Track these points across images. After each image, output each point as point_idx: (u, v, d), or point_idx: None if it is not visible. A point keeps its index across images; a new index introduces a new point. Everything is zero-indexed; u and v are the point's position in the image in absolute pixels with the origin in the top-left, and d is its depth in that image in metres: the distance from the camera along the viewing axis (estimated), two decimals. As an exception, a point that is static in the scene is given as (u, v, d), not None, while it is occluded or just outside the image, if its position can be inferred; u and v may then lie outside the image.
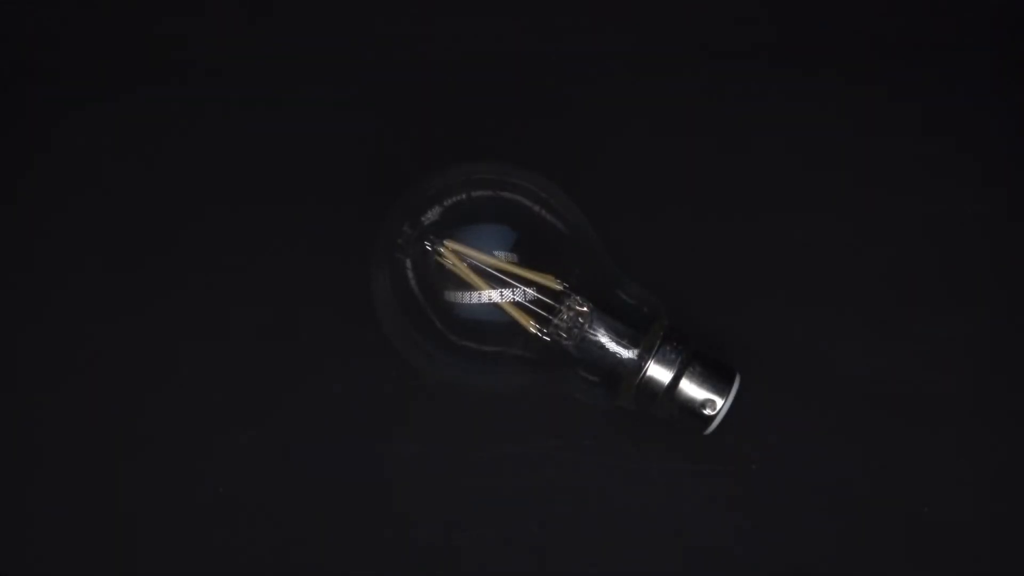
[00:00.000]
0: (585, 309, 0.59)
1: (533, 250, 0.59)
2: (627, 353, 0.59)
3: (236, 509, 0.63)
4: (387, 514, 0.63)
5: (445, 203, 0.59)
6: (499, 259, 0.58)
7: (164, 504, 0.63)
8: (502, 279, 0.58)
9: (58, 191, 0.71)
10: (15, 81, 0.74)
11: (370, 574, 0.62)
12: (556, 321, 0.59)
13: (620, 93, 0.72)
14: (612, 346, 0.59)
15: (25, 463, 0.65)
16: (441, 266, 0.59)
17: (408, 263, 0.59)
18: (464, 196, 0.60)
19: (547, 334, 0.59)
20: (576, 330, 0.59)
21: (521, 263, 0.59)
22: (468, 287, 0.58)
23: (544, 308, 0.59)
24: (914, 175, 0.69)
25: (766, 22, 0.73)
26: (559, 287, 0.59)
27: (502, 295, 0.58)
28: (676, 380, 0.59)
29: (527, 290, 0.58)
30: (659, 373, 0.58)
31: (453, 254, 0.58)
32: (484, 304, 0.58)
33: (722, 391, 0.59)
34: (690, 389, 0.59)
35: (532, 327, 0.58)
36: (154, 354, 0.67)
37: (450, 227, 0.59)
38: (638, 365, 0.59)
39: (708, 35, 0.74)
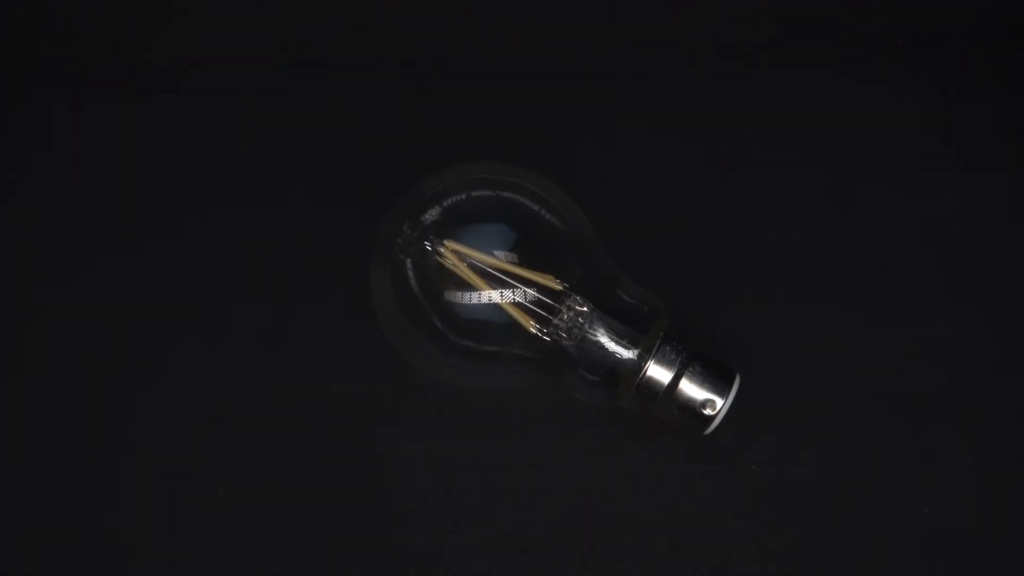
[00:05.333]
0: (585, 309, 0.59)
1: (533, 250, 0.59)
2: (627, 353, 0.59)
3: (236, 509, 0.63)
4: (387, 514, 0.63)
5: (445, 203, 0.59)
6: (499, 259, 0.58)
7: (163, 504, 0.63)
8: (502, 279, 0.58)
9: (57, 191, 0.71)
10: (14, 82, 0.74)
11: (370, 574, 0.62)
12: (556, 321, 0.59)
13: (620, 92, 0.72)
14: (612, 346, 0.59)
15: (23, 463, 0.65)
16: (441, 266, 0.58)
17: (408, 263, 0.59)
18: (464, 196, 0.60)
19: (547, 334, 0.59)
20: (576, 330, 0.59)
21: (521, 263, 0.59)
22: (468, 287, 0.58)
23: (544, 308, 0.59)
24: (914, 175, 0.69)
25: (765, 22, 0.73)
26: (559, 287, 0.59)
27: (502, 295, 0.58)
28: (676, 380, 0.59)
29: (527, 290, 0.58)
30: (659, 373, 0.58)
31: (453, 254, 0.58)
32: (484, 304, 0.58)
33: (722, 391, 0.59)
34: (690, 389, 0.59)
35: (532, 327, 0.58)
36: (154, 354, 0.67)
37: (450, 227, 0.59)
38: (638, 365, 0.59)
39: (708, 35, 0.74)
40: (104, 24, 0.74)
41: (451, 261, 0.58)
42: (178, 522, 0.63)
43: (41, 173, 0.72)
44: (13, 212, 0.71)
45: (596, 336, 0.59)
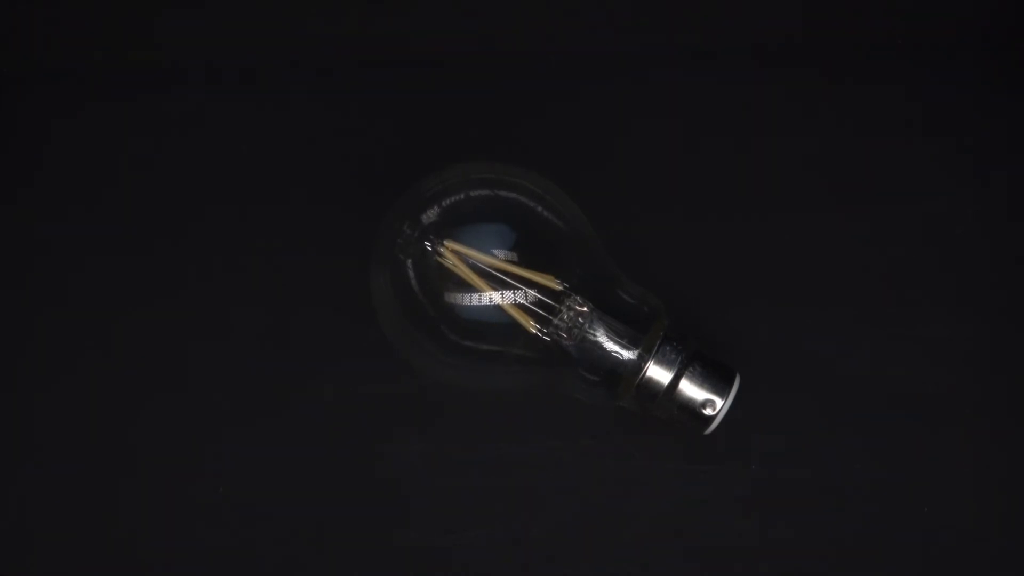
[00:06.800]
0: (585, 309, 0.59)
1: (533, 250, 0.59)
2: (627, 353, 0.59)
3: (236, 509, 0.63)
4: (387, 514, 0.63)
5: (444, 203, 0.59)
6: (499, 259, 0.58)
7: (164, 504, 0.63)
8: (502, 279, 0.58)
9: (57, 192, 0.71)
10: (15, 81, 0.74)
11: (370, 574, 0.62)
12: (556, 321, 0.59)
13: (620, 92, 0.72)
14: (612, 346, 0.59)
15: (23, 463, 0.65)
16: (441, 266, 0.59)
17: (408, 263, 0.59)
18: (463, 196, 0.60)
19: (547, 334, 0.59)
20: (576, 330, 0.59)
21: (521, 263, 0.59)
22: (468, 287, 0.58)
23: (544, 308, 0.59)
24: (914, 175, 0.69)
25: (765, 22, 0.73)
26: (559, 287, 0.59)
27: (502, 295, 0.58)
28: (676, 380, 0.59)
29: (527, 290, 0.58)
30: (659, 373, 0.58)
31: (453, 254, 0.58)
32: (484, 304, 0.58)
33: (722, 391, 0.59)
34: (690, 389, 0.59)
35: (532, 327, 0.58)
36: (153, 354, 0.67)
37: (450, 227, 0.59)
38: (638, 365, 0.59)
39: (708, 35, 0.74)
40: (104, 24, 0.74)
41: (451, 261, 0.58)
42: (178, 522, 0.63)
43: (40, 173, 0.72)
44: (13, 212, 0.71)
45: (596, 336, 0.59)
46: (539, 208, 0.60)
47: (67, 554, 0.63)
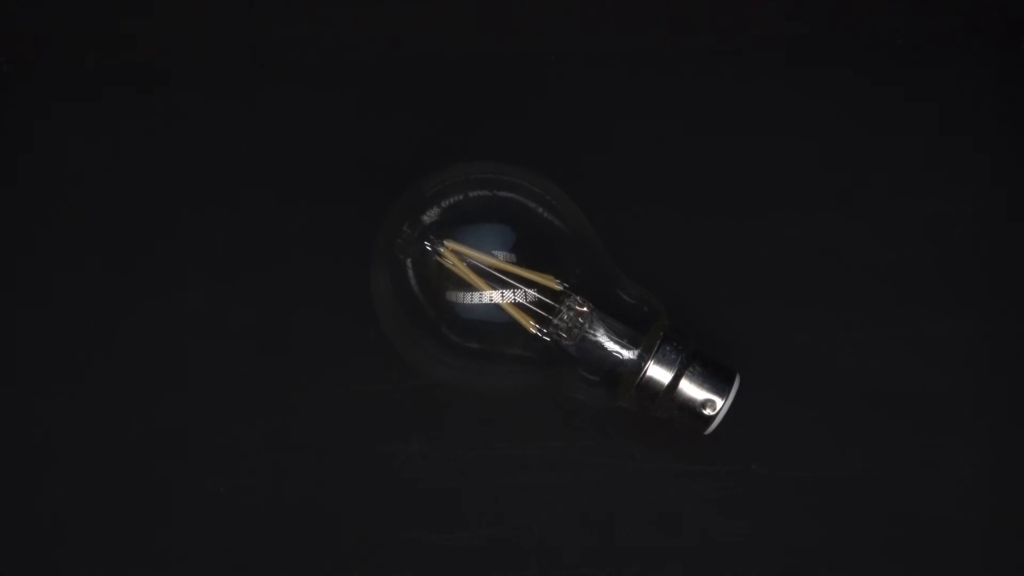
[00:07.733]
0: (585, 309, 0.59)
1: (533, 250, 0.59)
2: (627, 353, 0.59)
3: (236, 509, 0.63)
4: (387, 514, 0.63)
5: (444, 203, 0.59)
6: (499, 259, 0.58)
7: (163, 504, 0.63)
8: (502, 279, 0.58)
9: (54, 191, 0.71)
10: (5, 79, 0.74)
11: (370, 574, 0.62)
12: (556, 321, 0.59)
13: (620, 92, 0.72)
14: (612, 346, 0.59)
15: (23, 464, 0.65)
16: (441, 266, 0.58)
17: (408, 263, 0.59)
18: (463, 196, 0.60)
19: (547, 334, 0.59)
20: (576, 330, 0.59)
21: (521, 263, 0.59)
22: (468, 287, 0.58)
23: (544, 308, 0.59)
24: (915, 175, 0.69)
25: (764, 22, 0.73)
26: (559, 287, 0.59)
27: (502, 295, 0.58)
28: (676, 380, 0.59)
29: (527, 290, 0.58)
30: (659, 373, 0.58)
31: (453, 254, 0.58)
32: (484, 304, 0.58)
33: (722, 391, 0.59)
34: (690, 389, 0.59)
35: (532, 327, 0.58)
36: (152, 355, 0.66)
37: (450, 227, 0.59)
38: (638, 365, 0.59)
39: (709, 34, 0.74)
40: (102, 22, 0.74)
41: (451, 261, 0.58)
42: (177, 522, 0.63)
43: (35, 172, 0.72)
44: (6, 211, 0.71)
45: (596, 336, 0.59)
46: (539, 208, 0.60)
47: (66, 555, 0.63)
